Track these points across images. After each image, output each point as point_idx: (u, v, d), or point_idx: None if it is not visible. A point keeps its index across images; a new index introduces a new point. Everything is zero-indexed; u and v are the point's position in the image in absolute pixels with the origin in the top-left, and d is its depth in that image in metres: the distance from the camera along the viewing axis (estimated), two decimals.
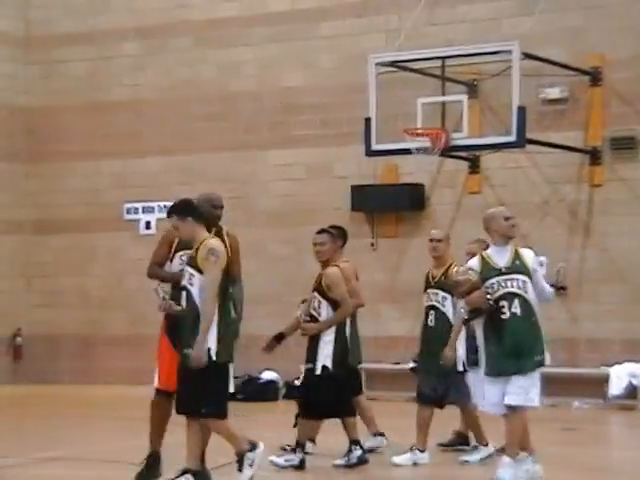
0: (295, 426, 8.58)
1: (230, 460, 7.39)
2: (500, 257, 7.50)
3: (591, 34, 13.53)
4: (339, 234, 9.19)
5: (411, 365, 10.06)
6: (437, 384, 8.70)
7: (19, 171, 16.28)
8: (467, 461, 8.78)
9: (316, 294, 8.49)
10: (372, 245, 14.59)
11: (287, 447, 8.71)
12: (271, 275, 14.73)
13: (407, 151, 12.58)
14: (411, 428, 8.73)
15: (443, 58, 12.94)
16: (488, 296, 7.38)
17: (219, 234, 7.80)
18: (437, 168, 14.19)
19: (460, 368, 8.68)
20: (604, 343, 13.33)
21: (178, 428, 7.35)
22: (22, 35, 16.44)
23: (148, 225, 15.76)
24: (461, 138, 12.46)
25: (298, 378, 14.81)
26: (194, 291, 7.12)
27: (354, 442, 8.56)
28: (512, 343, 7.34)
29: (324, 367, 8.34)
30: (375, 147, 12.68)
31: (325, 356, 8.34)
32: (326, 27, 14.96)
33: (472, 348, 8.24)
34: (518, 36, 12.15)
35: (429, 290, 8.82)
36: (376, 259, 14.49)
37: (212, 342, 7.06)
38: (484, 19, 14.01)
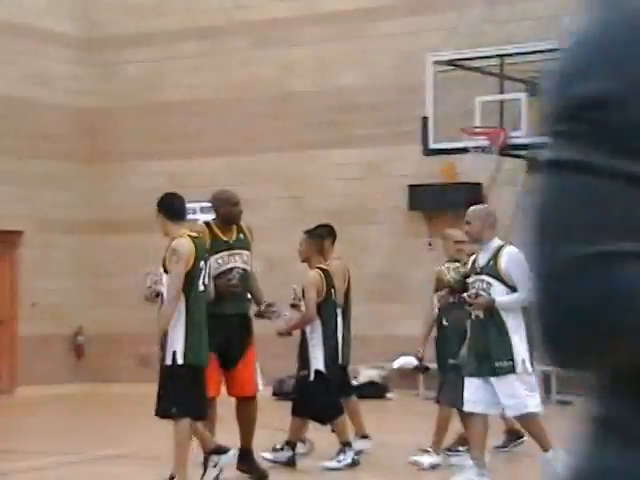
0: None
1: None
2: (482, 256, 7.47)
3: None
4: (324, 232, 9.06)
5: (417, 364, 9.79)
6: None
7: (81, 171, 16.49)
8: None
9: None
10: (429, 245, 14.53)
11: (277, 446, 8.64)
12: None
13: (465, 150, 12.51)
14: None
15: (502, 56, 12.85)
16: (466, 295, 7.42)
17: (239, 231, 7.81)
18: (495, 167, 14.10)
19: None
20: None
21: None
22: (84, 37, 16.65)
23: None
24: (520, 136, 12.36)
25: (355, 378, 14.82)
26: (164, 291, 7.09)
27: (345, 444, 8.47)
28: (474, 345, 7.40)
29: (317, 371, 8.26)
30: (432, 146, 12.64)
31: (316, 360, 8.27)
32: (384, 26, 14.93)
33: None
34: None
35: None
36: (433, 258, 14.40)
37: (178, 344, 6.99)
38: (543, 16, 13.88)
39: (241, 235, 7.98)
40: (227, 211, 7.83)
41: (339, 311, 8.79)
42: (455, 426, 9.08)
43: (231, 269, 7.84)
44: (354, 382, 14.33)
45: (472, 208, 7.69)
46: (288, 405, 8.57)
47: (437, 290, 8.59)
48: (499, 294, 7.33)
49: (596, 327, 1.15)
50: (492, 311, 7.31)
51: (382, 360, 14.32)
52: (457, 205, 14.38)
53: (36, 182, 15.82)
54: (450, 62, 12.77)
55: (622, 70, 1.17)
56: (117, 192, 16.62)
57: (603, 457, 1.21)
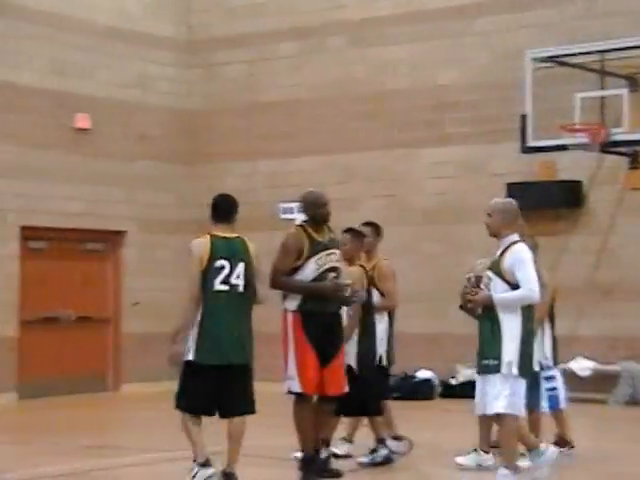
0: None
1: (220, 447, 7.45)
2: (497, 252, 7.43)
3: None
4: (368, 231, 8.96)
5: None
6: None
7: (180, 172, 16.76)
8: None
9: None
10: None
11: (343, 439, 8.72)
12: (424, 273, 14.70)
13: (564, 147, 12.36)
14: None
15: (602, 52, 12.65)
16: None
17: (330, 230, 7.91)
18: (596, 164, 13.88)
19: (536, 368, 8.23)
20: None
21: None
22: (184, 39, 16.92)
23: None
24: (621, 133, 12.16)
25: (454, 377, 14.74)
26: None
27: (380, 441, 8.52)
28: (478, 342, 7.30)
29: (349, 367, 8.22)
30: (531, 144, 12.52)
31: (349, 355, 8.24)
32: (480, 23, 14.82)
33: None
34: None
35: None
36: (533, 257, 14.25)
37: (192, 342, 7.21)
38: None
39: (332, 234, 8.10)
40: (316, 213, 7.93)
41: (384, 313, 8.77)
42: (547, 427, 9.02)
43: (333, 269, 7.94)
44: (452, 381, 14.32)
45: (494, 201, 7.57)
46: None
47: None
48: (499, 291, 7.23)
49: None
50: (489, 308, 7.21)
51: None
52: (557, 203, 14.23)
53: (138, 183, 16.15)
54: (549, 58, 12.63)
55: None
56: (215, 192, 16.72)
57: None
